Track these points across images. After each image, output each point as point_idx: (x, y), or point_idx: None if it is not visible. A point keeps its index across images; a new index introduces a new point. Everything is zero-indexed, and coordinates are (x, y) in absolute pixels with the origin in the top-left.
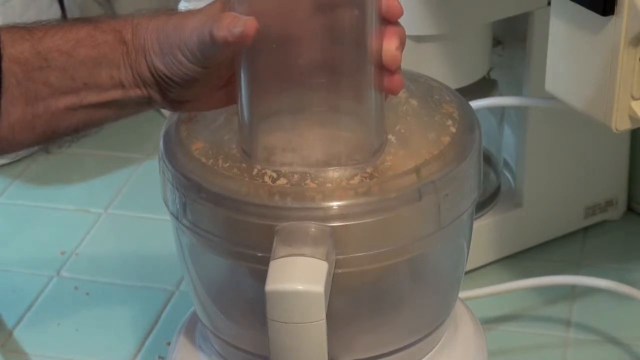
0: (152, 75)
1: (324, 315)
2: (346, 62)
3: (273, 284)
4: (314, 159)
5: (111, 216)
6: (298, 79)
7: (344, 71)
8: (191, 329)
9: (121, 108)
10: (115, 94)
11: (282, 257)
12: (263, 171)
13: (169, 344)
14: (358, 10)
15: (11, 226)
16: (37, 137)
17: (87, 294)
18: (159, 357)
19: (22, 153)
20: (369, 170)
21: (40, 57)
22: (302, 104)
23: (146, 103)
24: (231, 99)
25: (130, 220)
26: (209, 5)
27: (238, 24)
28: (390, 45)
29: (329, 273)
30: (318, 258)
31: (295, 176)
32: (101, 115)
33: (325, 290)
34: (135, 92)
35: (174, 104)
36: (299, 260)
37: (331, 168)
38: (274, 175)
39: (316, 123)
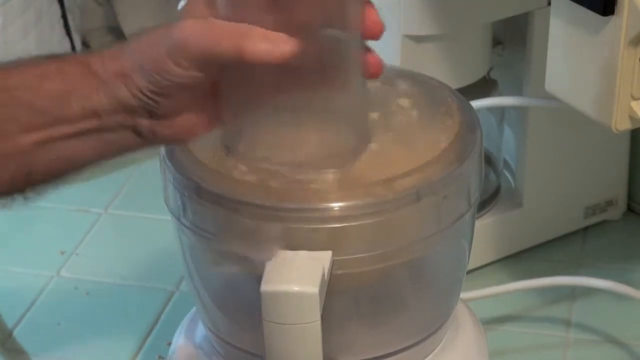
0: (136, 96)
1: (319, 317)
2: (332, 63)
3: (268, 285)
4: (314, 160)
5: (111, 216)
6: (286, 79)
7: (331, 71)
8: (191, 329)
9: (99, 139)
10: (89, 124)
11: (279, 257)
12: (263, 171)
13: (169, 344)
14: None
15: (11, 226)
16: (12, 179)
17: (87, 294)
18: (159, 357)
19: None
20: (368, 170)
21: (6, 94)
22: (294, 104)
23: (130, 132)
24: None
25: (130, 220)
26: (188, 4)
27: (284, 42)
28: (371, 15)
29: (325, 274)
30: (315, 259)
31: (295, 176)
32: (77, 149)
33: (321, 291)
34: (114, 119)
35: (164, 126)
36: (295, 260)
37: (331, 169)
38: (274, 175)
39: (312, 124)
